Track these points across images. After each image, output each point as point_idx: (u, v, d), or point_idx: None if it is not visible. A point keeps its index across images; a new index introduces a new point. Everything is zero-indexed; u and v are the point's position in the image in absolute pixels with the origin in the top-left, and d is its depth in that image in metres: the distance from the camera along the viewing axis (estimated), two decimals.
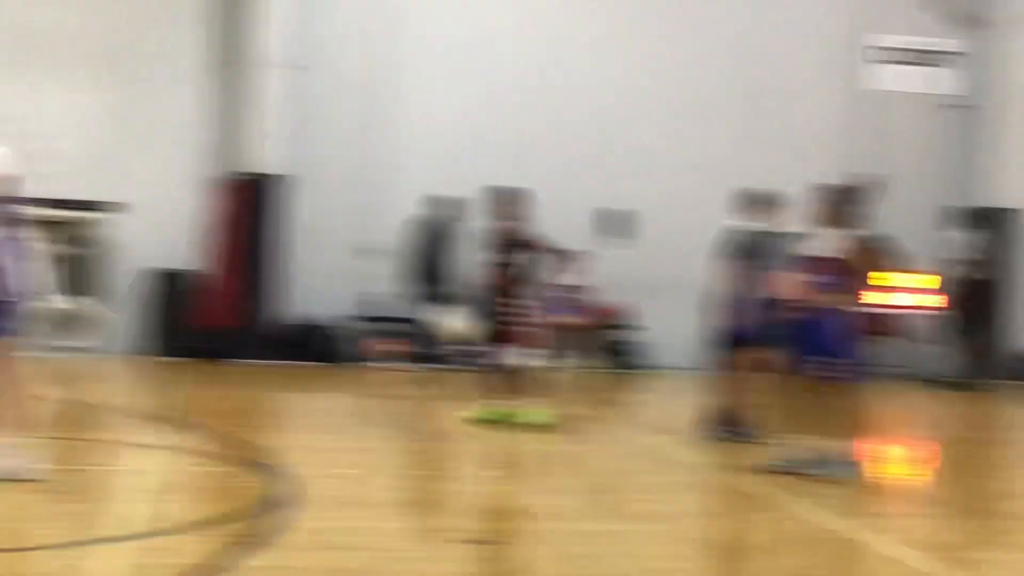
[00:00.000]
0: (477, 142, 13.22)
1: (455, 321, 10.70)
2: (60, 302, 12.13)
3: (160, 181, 12.78)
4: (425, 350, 11.55)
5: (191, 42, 13.06)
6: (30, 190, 6.03)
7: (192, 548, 4.64)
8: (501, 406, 8.58)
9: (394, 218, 12.14)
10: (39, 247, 10.98)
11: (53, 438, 6.99)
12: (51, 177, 10.63)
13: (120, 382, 11.86)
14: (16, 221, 5.80)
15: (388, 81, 13.36)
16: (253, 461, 6.76)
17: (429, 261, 11.41)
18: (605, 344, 13.20)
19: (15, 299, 5.74)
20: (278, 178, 12.69)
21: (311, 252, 12.90)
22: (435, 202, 11.64)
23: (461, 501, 6.45)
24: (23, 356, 5.97)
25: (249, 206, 12.65)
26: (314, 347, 12.90)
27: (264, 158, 12.66)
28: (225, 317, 12.48)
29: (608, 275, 12.69)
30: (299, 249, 12.92)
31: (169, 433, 8.11)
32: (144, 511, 5.32)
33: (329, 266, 12.82)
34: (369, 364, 12.23)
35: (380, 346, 12.29)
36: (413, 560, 4.76)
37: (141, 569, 4.30)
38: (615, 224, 13.68)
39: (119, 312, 12.55)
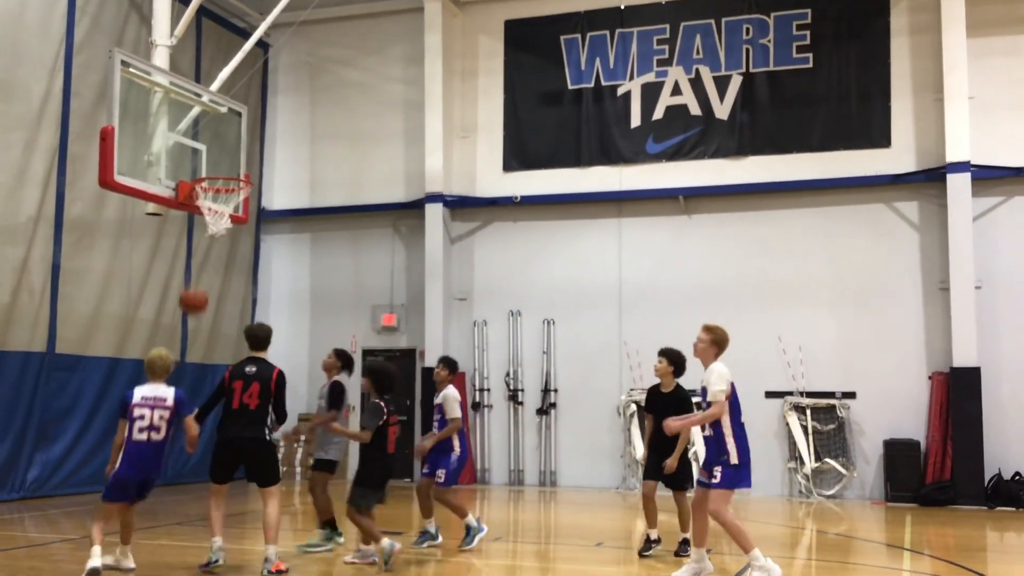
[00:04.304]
0: None
1: None
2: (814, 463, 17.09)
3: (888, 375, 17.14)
4: None
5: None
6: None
7: None
8: None
9: None
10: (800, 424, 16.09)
11: (813, 560, 10.44)
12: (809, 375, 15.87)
13: (863, 520, 14.36)
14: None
15: None
16: None
17: None
18: None
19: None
20: (971, 370, 16.31)
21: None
22: None
23: None
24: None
25: (953, 392, 16.36)
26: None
27: (961, 356, 16.35)
28: (942, 473, 16.22)
29: None
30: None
31: (902, 560, 10.33)
32: None
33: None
34: None
35: None
36: None
37: None
38: None
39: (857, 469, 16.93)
